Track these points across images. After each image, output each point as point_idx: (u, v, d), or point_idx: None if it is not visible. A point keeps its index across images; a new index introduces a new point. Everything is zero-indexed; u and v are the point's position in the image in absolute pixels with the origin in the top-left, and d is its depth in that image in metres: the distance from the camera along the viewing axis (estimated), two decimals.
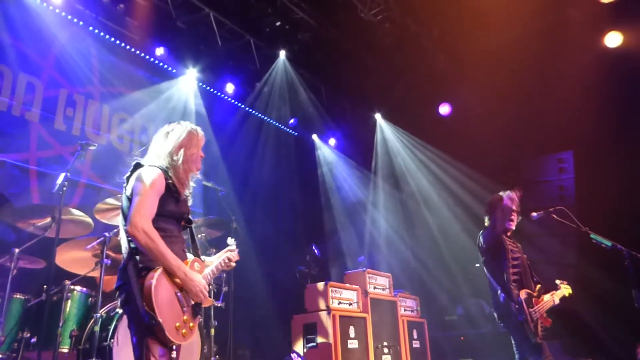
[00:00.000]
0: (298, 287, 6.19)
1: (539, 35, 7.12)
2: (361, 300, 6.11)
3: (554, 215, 4.37)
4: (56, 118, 6.13)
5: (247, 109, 8.61)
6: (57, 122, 6.14)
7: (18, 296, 4.29)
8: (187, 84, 7.57)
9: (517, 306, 3.91)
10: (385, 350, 6.05)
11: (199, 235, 5.17)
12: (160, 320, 2.42)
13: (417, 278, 8.23)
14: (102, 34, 6.67)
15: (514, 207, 4.22)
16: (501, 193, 4.31)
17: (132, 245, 2.59)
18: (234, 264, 3.10)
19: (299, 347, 5.62)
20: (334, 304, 5.72)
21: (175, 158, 2.84)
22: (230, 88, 8.04)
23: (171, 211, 2.74)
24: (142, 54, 7.14)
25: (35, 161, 5.79)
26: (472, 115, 8.09)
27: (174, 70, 7.52)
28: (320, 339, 5.53)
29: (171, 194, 2.75)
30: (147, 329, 2.46)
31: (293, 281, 6.87)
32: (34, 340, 4.16)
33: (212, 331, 4.89)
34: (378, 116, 9.53)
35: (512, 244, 4.24)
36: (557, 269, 7.92)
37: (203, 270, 2.83)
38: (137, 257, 2.56)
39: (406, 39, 8.01)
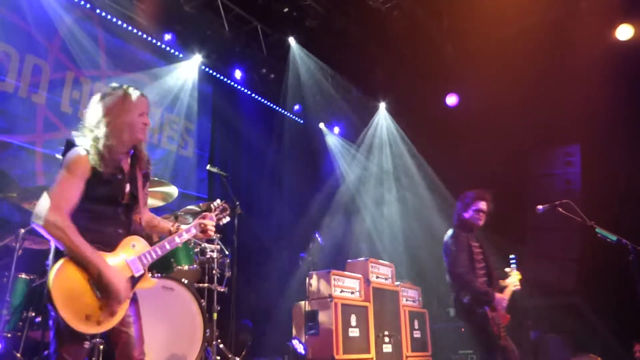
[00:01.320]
0: (300, 275, 6.20)
1: (549, 27, 7.04)
2: (363, 289, 6.13)
3: (560, 209, 4.35)
4: (62, 100, 6.13)
5: (253, 95, 8.58)
6: (64, 105, 6.14)
7: (23, 276, 4.32)
8: (192, 69, 7.55)
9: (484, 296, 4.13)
10: (386, 339, 6.08)
11: None
12: (62, 313, 2.26)
13: (419, 268, 8.24)
14: (109, 17, 6.65)
15: (481, 206, 4.42)
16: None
17: None
18: (211, 232, 2.89)
19: (301, 333, 5.65)
20: (336, 292, 5.74)
21: (97, 133, 2.51)
22: (236, 74, 8.01)
23: (100, 195, 2.50)
24: (150, 39, 7.12)
25: (41, 143, 5.80)
26: (480, 107, 8.03)
27: (181, 55, 7.50)
28: (321, 327, 5.55)
29: (97, 177, 2.48)
30: (56, 322, 2.34)
31: (296, 268, 6.90)
32: (38, 319, 4.20)
33: (215, 315, 4.91)
34: (382, 105, 9.49)
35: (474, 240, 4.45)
36: (560, 263, 7.93)
37: (144, 248, 2.61)
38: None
39: (415, 29, 7.94)
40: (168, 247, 2.73)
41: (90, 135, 2.53)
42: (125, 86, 2.67)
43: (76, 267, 2.37)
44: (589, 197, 7.09)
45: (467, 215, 4.42)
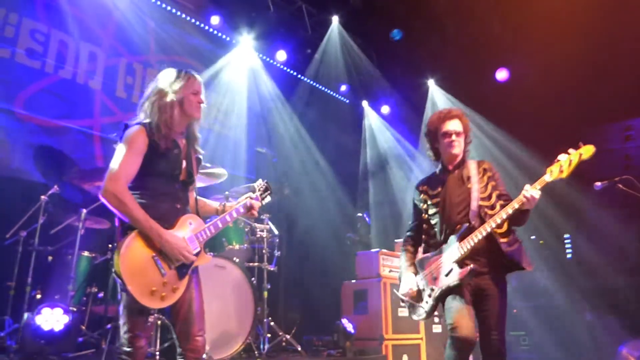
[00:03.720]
0: (348, 255, 6.24)
1: None
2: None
3: (620, 185, 4.17)
4: (117, 86, 6.34)
5: (298, 75, 8.60)
6: (119, 90, 6.35)
7: (86, 254, 4.57)
8: (242, 52, 7.63)
9: None
10: (436, 319, 6.04)
11: None
12: (129, 287, 2.35)
13: None
14: (158, 2, 6.79)
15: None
16: None
17: None
18: (255, 212, 2.95)
19: (350, 313, 5.70)
20: (384, 272, 5.75)
21: (153, 109, 2.62)
22: (281, 55, 8.04)
23: (158, 169, 2.58)
24: (197, 22, 7.24)
25: (99, 127, 6.03)
26: (531, 82, 7.73)
27: (228, 38, 7.59)
28: (370, 306, 5.58)
29: (155, 150, 2.55)
30: (124, 294, 2.43)
31: (343, 248, 6.93)
32: (100, 295, 4.43)
33: (265, 294, 5.03)
34: (431, 82, 9.29)
35: None
36: (617, 243, 7.62)
37: (200, 227, 2.68)
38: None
39: (460, 3, 7.69)
40: (220, 225, 2.79)
41: (148, 110, 2.63)
42: (178, 69, 2.77)
43: (142, 241, 2.46)
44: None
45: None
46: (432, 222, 3.19)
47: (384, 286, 5.58)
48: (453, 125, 3.22)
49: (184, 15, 7.06)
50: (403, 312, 5.67)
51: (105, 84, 6.21)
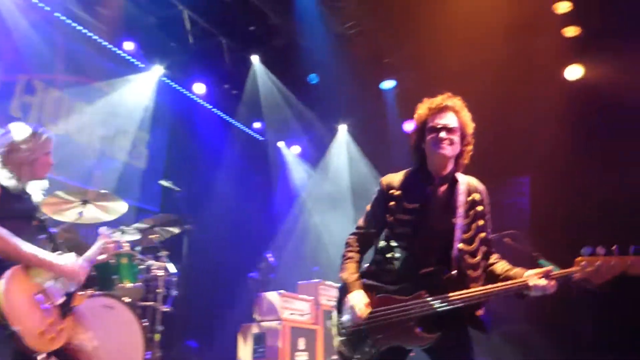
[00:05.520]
0: (250, 295, 6.11)
1: (505, 62, 7.28)
2: (313, 311, 6.07)
3: (507, 239, 4.44)
4: (12, 104, 5.90)
5: (213, 109, 8.51)
6: (13, 109, 5.91)
7: None
8: (153, 79, 7.43)
9: None
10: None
11: (151, 236, 5.04)
12: (17, 328, 2.20)
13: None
14: (68, 21, 6.49)
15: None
16: None
17: None
18: (112, 251, 3.04)
19: (247, 356, 5.54)
20: (285, 314, 5.67)
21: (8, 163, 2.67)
22: (198, 87, 7.93)
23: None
24: (110, 46, 6.99)
25: None
26: None
27: (142, 65, 7.38)
28: (268, 350, 5.46)
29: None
30: (7, 340, 2.24)
31: (246, 289, 6.77)
32: None
33: (157, 336, 4.75)
34: (342, 128, 9.57)
35: None
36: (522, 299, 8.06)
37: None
38: None
39: (377, 55, 8.08)
40: (93, 260, 2.84)
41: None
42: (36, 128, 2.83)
43: (22, 279, 2.35)
44: (537, 227, 7.30)
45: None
46: (395, 243, 2.46)
47: (283, 329, 5.49)
48: (445, 119, 2.52)
49: (96, 37, 6.78)
50: (301, 356, 5.60)
51: None
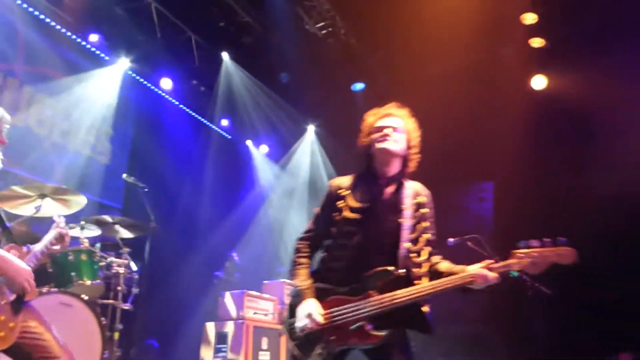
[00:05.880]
0: (213, 294, 6.05)
1: (473, 70, 7.45)
2: (277, 311, 6.05)
3: (469, 243, 4.54)
4: None
5: (180, 105, 8.38)
6: None
7: None
8: (118, 73, 7.26)
9: None
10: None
11: (113, 233, 4.92)
12: None
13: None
14: (31, 9, 6.27)
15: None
16: None
17: None
18: (67, 240, 2.78)
19: (209, 356, 5.47)
20: (248, 314, 5.62)
21: None
22: (165, 83, 7.78)
23: None
24: (75, 37, 6.79)
25: None
26: None
27: (107, 58, 7.19)
28: (230, 349, 5.40)
29: None
30: None
31: (210, 287, 6.71)
32: None
33: (116, 335, 4.64)
34: (311, 128, 9.58)
35: None
36: (467, 294, 8.22)
37: (24, 257, 2.56)
38: None
39: (349, 57, 8.12)
40: (40, 256, 2.65)
41: None
42: None
43: None
44: (499, 233, 7.48)
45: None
46: (342, 242, 2.50)
47: (246, 329, 5.44)
48: (390, 121, 2.61)
49: (59, 27, 6.58)
50: (264, 355, 5.56)
51: None
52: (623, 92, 6.57)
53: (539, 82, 7.61)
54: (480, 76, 7.44)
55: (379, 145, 2.55)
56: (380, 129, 2.59)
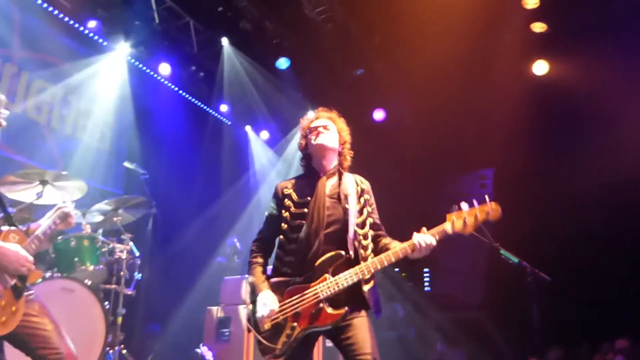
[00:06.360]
0: (215, 279, 6.07)
1: (475, 55, 7.41)
2: (247, 292, 6.06)
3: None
4: None
5: (179, 91, 8.34)
6: None
7: None
8: (117, 59, 7.21)
9: None
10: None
11: (115, 219, 4.93)
12: None
13: None
14: None
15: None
16: None
17: None
18: (73, 221, 2.78)
19: (211, 340, 5.51)
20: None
21: None
22: (163, 68, 7.73)
23: None
24: (73, 23, 6.73)
25: None
26: (404, 125, 8.30)
27: (105, 43, 7.14)
28: (232, 334, 5.45)
29: None
30: None
31: (210, 273, 6.73)
32: None
33: (119, 319, 4.69)
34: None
35: None
36: (468, 279, 8.32)
37: (24, 240, 2.55)
38: None
39: (347, 42, 8.07)
40: (43, 238, 2.65)
41: None
42: None
43: None
44: (499, 219, 7.51)
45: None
46: (293, 235, 2.68)
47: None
48: (320, 121, 2.90)
49: (58, 13, 6.52)
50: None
51: None
52: (625, 77, 6.55)
53: (540, 67, 7.58)
54: (481, 61, 7.40)
55: (314, 142, 2.82)
56: (313, 128, 2.86)
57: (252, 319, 2.64)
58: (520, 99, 7.24)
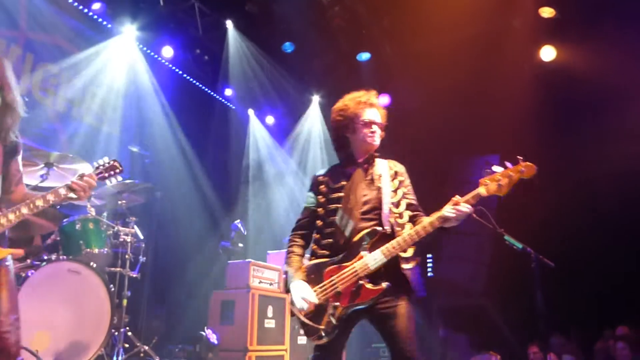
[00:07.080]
0: (221, 264, 6.10)
1: (482, 40, 7.31)
2: (282, 280, 6.11)
3: (474, 215, 4.53)
4: None
5: (184, 75, 8.30)
6: None
7: None
8: (122, 42, 7.18)
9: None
10: (302, 331, 6.10)
11: (119, 202, 4.94)
12: None
13: None
14: None
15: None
16: None
17: None
18: (82, 192, 2.54)
19: (216, 323, 5.56)
20: (254, 283, 5.69)
21: None
22: (167, 51, 7.69)
23: None
24: (78, 5, 6.70)
25: None
26: (409, 111, 8.23)
27: (109, 26, 7.11)
28: (237, 317, 5.49)
29: None
30: None
31: (216, 257, 6.77)
32: None
33: (125, 302, 4.73)
34: (315, 98, 9.49)
35: None
36: (472, 265, 8.31)
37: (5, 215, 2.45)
38: None
39: (355, 25, 7.98)
40: (25, 211, 2.49)
41: None
42: None
43: None
44: (503, 206, 7.49)
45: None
46: (329, 219, 2.71)
47: (252, 297, 5.51)
48: (374, 115, 2.84)
49: None
50: (270, 323, 5.65)
51: None
52: (634, 63, 6.46)
53: (548, 53, 7.48)
54: (489, 46, 7.31)
55: (369, 141, 2.81)
56: (369, 124, 2.81)
57: (294, 306, 2.66)
58: (527, 85, 7.17)
